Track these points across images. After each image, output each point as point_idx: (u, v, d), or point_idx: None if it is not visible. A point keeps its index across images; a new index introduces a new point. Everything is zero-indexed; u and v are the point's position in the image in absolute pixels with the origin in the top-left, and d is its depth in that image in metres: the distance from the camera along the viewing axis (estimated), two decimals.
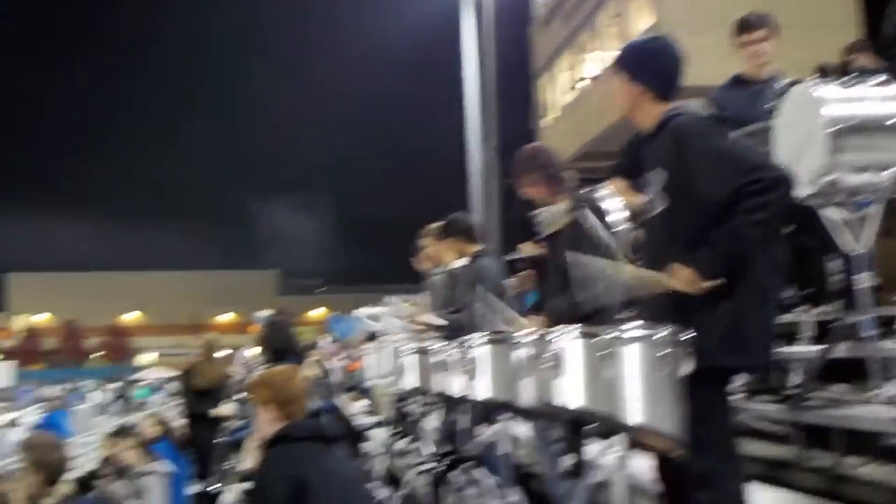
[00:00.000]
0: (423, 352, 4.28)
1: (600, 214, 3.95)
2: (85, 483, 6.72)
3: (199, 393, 7.33)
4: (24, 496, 4.43)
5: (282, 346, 6.04)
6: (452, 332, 4.41)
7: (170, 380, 57.88)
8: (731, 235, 2.58)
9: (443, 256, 5.98)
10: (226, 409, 7.16)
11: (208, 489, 6.95)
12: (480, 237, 5.66)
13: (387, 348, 5.82)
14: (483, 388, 2.90)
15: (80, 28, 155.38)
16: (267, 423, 3.18)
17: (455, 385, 3.39)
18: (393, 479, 5.45)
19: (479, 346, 2.90)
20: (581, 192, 4.18)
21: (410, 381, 4.60)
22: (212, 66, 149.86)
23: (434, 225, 6.16)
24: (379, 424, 8.41)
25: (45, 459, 4.67)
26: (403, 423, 6.14)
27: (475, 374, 2.95)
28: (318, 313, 75.20)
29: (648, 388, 2.19)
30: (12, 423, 18.37)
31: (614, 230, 3.75)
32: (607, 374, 2.19)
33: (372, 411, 10.09)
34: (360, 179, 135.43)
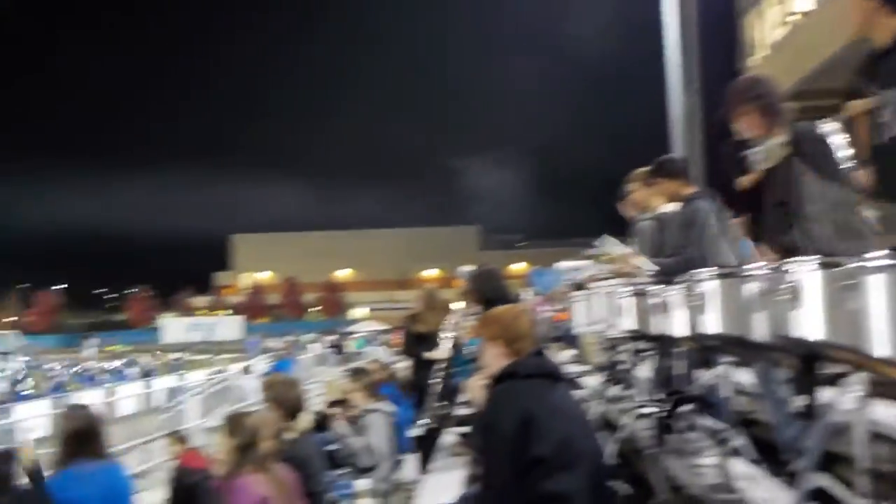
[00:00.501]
0: (640, 294, 4.24)
1: (823, 148, 3.73)
2: (318, 421, 7.27)
3: (420, 338, 7.70)
4: (268, 431, 4.84)
5: (494, 294, 6.14)
6: (665, 276, 4.34)
7: (381, 332, 60.97)
8: None
9: (651, 201, 5.85)
10: (440, 352, 7.45)
11: (425, 428, 7.29)
12: (692, 179, 5.50)
13: (598, 295, 5.80)
14: (712, 324, 2.84)
15: None
16: (494, 359, 3.27)
17: (677, 325, 3.35)
18: (608, 425, 5.47)
19: (707, 281, 2.84)
20: (801, 125, 3.96)
21: (626, 324, 4.58)
22: (415, 29, 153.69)
23: (642, 169, 6.04)
24: (588, 373, 8.45)
25: (283, 397, 5.09)
26: (615, 370, 6.13)
27: (702, 310, 2.90)
28: (519, 268, 75.87)
29: None
30: (245, 371, 20.08)
31: (840, 165, 3.54)
32: (850, 306, 2.08)
33: (579, 360, 10.14)
34: (560, 133, 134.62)
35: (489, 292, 6.38)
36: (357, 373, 8.17)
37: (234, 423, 4.33)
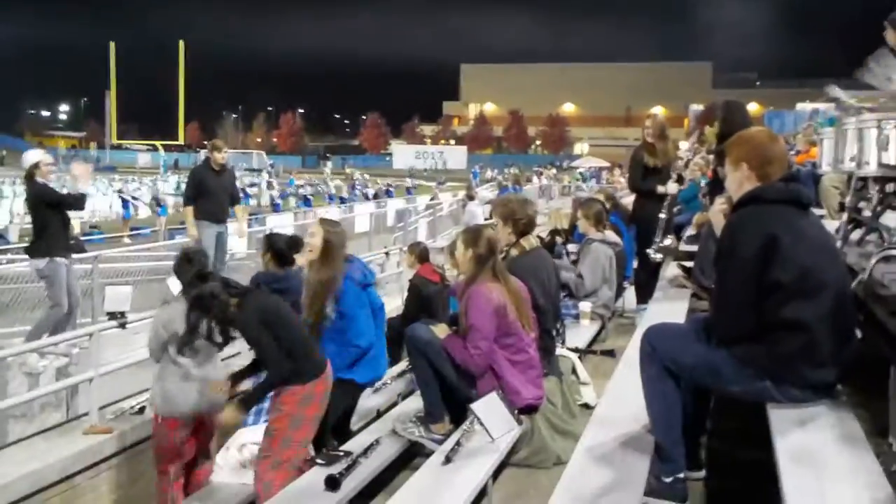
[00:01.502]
0: None
1: None
2: (544, 243, 7.49)
3: (648, 170, 7.53)
4: (502, 244, 5.10)
5: (741, 128, 5.84)
6: None
7: (601, 169, 60.28)
8: None
9: None
10: (671, 187, 7.32)
11: (648, 260, 7.32)
12: None
13: (853, 130, 5.41)
14: None
15: None
16: (738, 183, 3.16)
17: None
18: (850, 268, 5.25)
19: None
20: None
21: (882, 160, 4.28)
22: None
23: None
24: (827, 216, 8.01)
25: (515, 214, 5.27)
26: (859, 212, 5.79)
27: None
28: (752, 109, 71.24)
29: None
30: (469, 198, 20.80)
31: None
32: None
33: (818, 203, 9.59)
34: None
35: (738, 125, 6.08)
36: (583, 203, 8.26)
37: (473, 234, 4.59)
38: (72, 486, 5.17)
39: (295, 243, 5.88)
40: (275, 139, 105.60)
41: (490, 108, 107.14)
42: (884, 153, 4.29)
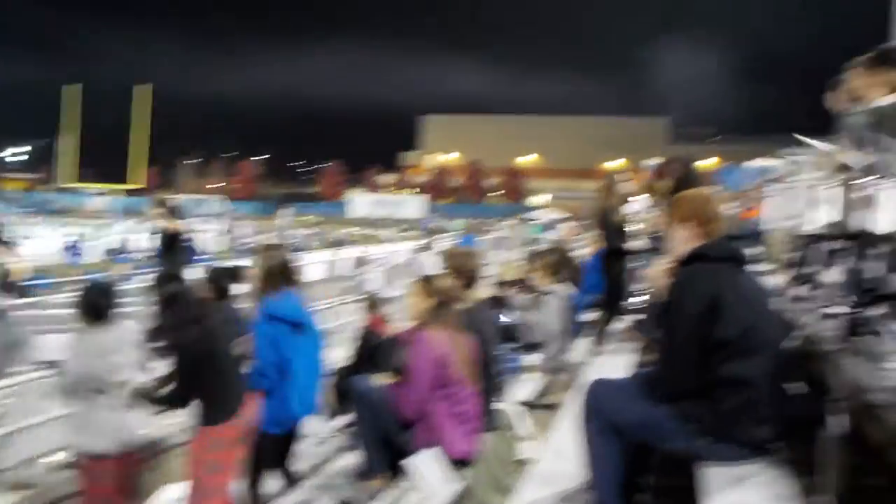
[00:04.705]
0: (848, 186, 3.98)
1: None
2: (493, 299, 7.44)
3: (616, 229, 7.43)
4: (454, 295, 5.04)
5: (691, 185, 5.90)
6: (877, 172, 4.02)
7: (558, 221, 60.68)
8: None
9: (869, 92, 5.38)
10: (638, 243, 7.33)
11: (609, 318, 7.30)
12: None
13: (795, 189, 5.50)
14: None
15: None
16: (683, 241, 3.23)
17: (884, 222, 3.14)
18: (788, 325, 5.28)
19: None
20: None
21: (825, 218, 4.32)
22: None
23: (864, 56, 5.53)
24: (773, 271, 8.10)
25: (463, 267, 5.26)
26: (803, 269, 5.85)
27: None
28: (709, 163, 72.78)
29: None
30: (427, 247, 20.80)
31: None
32: None
33: (765, 258, 9.73)
34: (761, 14, 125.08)
35: (691, 182, 6.11)
36: (536, 255, 8.25)
37: (428, 284, 4.56)
38: None
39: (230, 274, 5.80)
40: (233, 185, 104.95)
41: (452, 157, 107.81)
42: (828, 211, 4.33)
